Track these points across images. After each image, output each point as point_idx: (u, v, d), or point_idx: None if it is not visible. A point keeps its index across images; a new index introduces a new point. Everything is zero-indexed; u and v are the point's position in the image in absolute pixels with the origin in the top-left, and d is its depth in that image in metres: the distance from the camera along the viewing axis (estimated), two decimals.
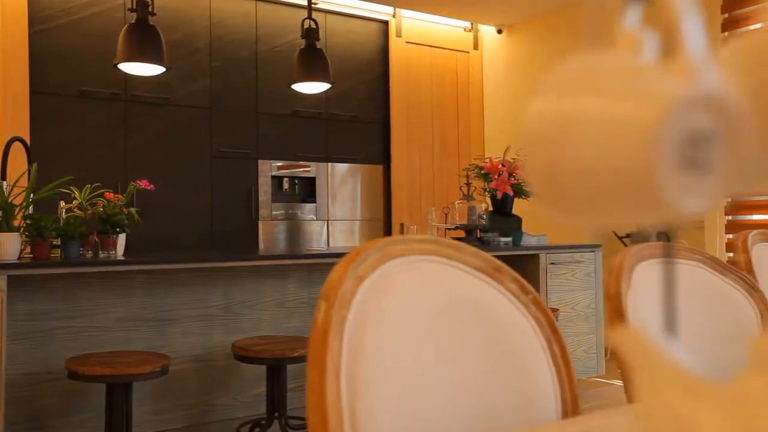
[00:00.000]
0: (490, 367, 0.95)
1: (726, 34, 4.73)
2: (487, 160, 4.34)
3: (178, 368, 3.12)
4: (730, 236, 4.74)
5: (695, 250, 1.29)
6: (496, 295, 1.01)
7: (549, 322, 1.01)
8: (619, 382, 4.42)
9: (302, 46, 3.98)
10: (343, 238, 5.69)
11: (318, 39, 3.89)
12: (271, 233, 5.32)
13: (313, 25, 3.85)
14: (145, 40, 3.25)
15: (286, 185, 5.45)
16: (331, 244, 5.60)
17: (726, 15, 4.72)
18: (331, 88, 4.26)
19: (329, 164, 5.60)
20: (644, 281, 1.16)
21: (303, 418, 3.23)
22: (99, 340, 2.95)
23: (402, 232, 5.90)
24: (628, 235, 5.28)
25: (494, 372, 0.96)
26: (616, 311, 1.08)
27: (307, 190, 5.56)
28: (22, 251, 2.76)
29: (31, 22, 4.43)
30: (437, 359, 0.92)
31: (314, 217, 5.54)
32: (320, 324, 0.83)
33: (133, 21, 3.34)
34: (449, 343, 0.94)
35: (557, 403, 0.98)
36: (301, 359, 2.82)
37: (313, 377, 0.80)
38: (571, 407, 0.98)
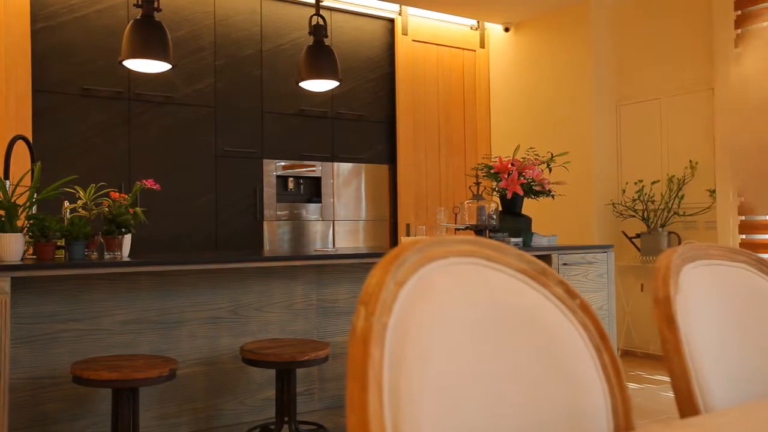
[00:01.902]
0: (537, 378, 0.88)
1: (739, 30, 4.66)
2: (496, 159, 4.27)
3: (185, 372, 3.05)
4: (744, 237, 4.66)
5: (739, 251, 1.22)
6: (541, 299, 0.94)
7: (598, 328, 0.94)
8: (635, 385, 4.35)
9: (309, 44, 3.91)
10: (349, 238, 5.62)
11: (326, 36, 3.82)
12: (275, 233, 5.26)
13: (321, 22, 3.78)
14: (150, 37, 3.18)
15: (291, 185, 5.38)
16: (336, 245, 5.53)
17: (739, 12, 4.65)
18: (336, 86, 4.19)
19: (335, 164, 5.53)
20: (693, 284, 1.09)
21: (312, 423, 3.16)
22: (104, 344, 2.88)
23: (408, 232, 5.84)
24: (638, 235, 5.21)
25: (542, 383, 0.89)
26: (665, 317, 1.01)
27: (313, 190, 5.49)
28: (25, 252, 2.69)
29: (34, 19, 4.36)
30: (482, 369, 0.85)
31: (319, 217, 5.47)
32: (360, 332, 0.76)
33: (137, 17, 3.27)
34: (494, 351, 0.87)
35: (609, 417, 0.91)
36: (311, 363, 2.75)
37: (353, 392, 0.73)
38: (623, 422, 0.91)
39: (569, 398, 0.90)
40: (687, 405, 0.97)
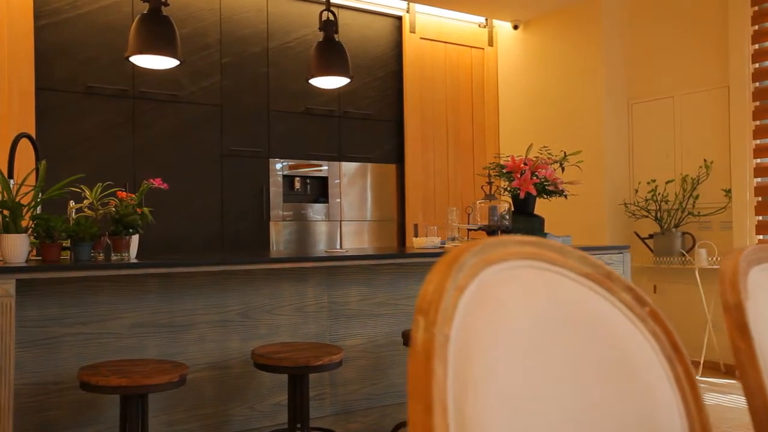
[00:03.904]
0: (607, 394, 0.80)
1: (756, 27, 4.57)
2: (508, 159, 4.18)
3: (194, 376, 2.96)
4: (761, 237, 4.58)
5: None
6: (608, 306, 0.86)
7: (670, 338, 0.86)
8: None
9: (319, 40, 3.82)
10: (356, 239, 5.54)
11: (336, 31, 3.73)
12: (282, 234, 5.17)
13: (332, 17, 3.69)
14: (158, 32, 3.09)
15: (297, 185, 5.29)
16: (343, 246, 5.45)
17: (756, 8, 4.57)
18: (344, 85, 4.10)
19: (341, 163, 5.45)
20: (763, 289, 1.00)
21: (324, 429, 3.07)
22: (111, 348, 2.79)
23: (417, 233, 5.75)
24: (650, 236, 5.12)
25: (613, 400, 0.80)
26: (738, 325, 0.93)
27: (319, 190, 5.41)
28: (29, 253, 2.60)
29: (37, 16, 4.28)
30: (552, 385, 0.76)
31: (326, 218, 5.39)
32: (421, 345, 0.67)
33: (144, 12, 3.18)
34: (561, 365, 0.78)
35: None
36: (325, 368, 2.67)
37: (416, 414, 0.64)
38: None
39: (642, 416, 0.81)
40: (765, 425, 0.88)
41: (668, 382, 0.84)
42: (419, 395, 0.66)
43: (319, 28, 3.74)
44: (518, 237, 0.84)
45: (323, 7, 3.86)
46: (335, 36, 3.77)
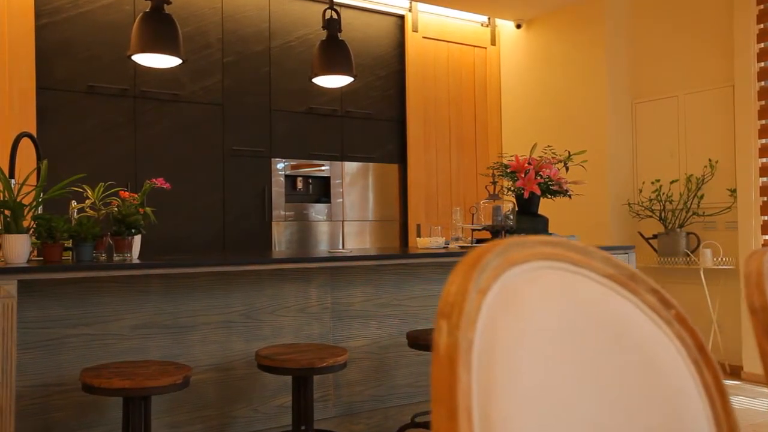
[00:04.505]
0: (635, 399, 0.77)
1: (761, 25, 4.54)
2: (512, 158, 4.16)
3: (197, 378, 2.93)
4: (767, 237, 4.55)
5: None
6: (632, 309, 0.83)
7: (697, 342, 0.83)
8: None
9: (322, 39, 3.80)
10: (358, 239, 5.51)
11: (340, 30, 3.71)
12: (284, 234, 5.14)
13: (335, 16, 3.67)
14: (160, 30, 3.07)
15: (299, 184, 5.27)
16: (345, 246, 5.42)
17: (761, 6, 4.54)
18: (346, 84, 4.07)
19: (344, 163, 5.42)
20: None
21: (330, 431, 3.04)
22: (114, 349, 2.76)
23: (419, 233, 5.72)
24: (654, 236, 5.09)
25: (640, 405, 0.77)
26: (766, 329, 0.90)
27: (321, 190, 5.38)
28: (30, 254, 2.57)
29: (38, 15, 4.25)
30: (577, 390, 0.73)
31: (329, 218, 5.36)
32: (444, 350, 0.65)
33: (146, 10, 3.15)
34: (587, 369, 0.76)
35: None
36: (330, 369, 2.64)
37: (440, 421, 0.62)
38: None
39: (669, 423, 0.78)
40: None
41: (696, 387, 0.81)
42: (443, 401, 0.63)
43: (323, 27, 3.72)
44: (540, 237, 0.81)
45: (325, 6, 3.83)
46: (339, 34, 3.74)
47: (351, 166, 5.46)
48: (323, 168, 5.34)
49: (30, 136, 2.98)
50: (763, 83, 4.56)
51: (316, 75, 3.74)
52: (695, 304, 4.87)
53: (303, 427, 2.74)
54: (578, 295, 0.81)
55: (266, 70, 5.08)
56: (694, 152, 4.97)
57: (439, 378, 0.64)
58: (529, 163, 4.12)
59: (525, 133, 5.86)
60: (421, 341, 3.11)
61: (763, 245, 4.54)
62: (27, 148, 3.53)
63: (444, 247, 3.76)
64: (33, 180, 2.81)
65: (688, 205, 4.90)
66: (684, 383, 0.81)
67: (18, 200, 2.50)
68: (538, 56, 5.89)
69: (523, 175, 4.10)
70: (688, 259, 4.89)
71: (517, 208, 4.15)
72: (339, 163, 5.40)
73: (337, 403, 3.33)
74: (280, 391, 3.14)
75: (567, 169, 4.21)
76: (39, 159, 2.99)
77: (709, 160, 4.87)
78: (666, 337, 0.83)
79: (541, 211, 4.20)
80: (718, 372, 0.83)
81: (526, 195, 4.07)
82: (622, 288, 0.84)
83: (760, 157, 4.57)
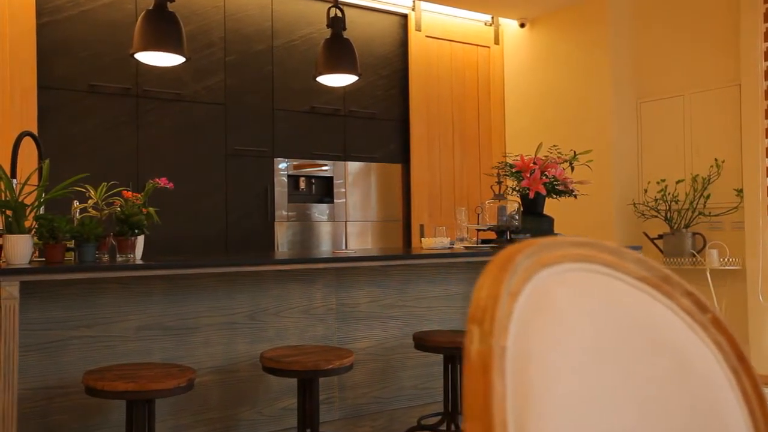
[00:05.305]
0: (672, 407, 0.73)
1: None
2: (518, 158, 4.12)
3: (201, 380, 2.89)
4: None
5: None
6: (667, 313, 0.79)
7: (734, 348, 0.79)
8: None
9: (326, 37, 3.76)
10: (361, 239, 5.47)
11: (345, 28, 3.67)
12: (287, 234, 5.10)
13: (340, 14, 3.63)
14: (164, 28, 3.03)
15: (302, 184, 5.23)
16: (348, 246, 5.38)
17: None
18: (351, 82, 4.03)
19: (347, 163, 5.38)
20: None
21: None
22: (117, 351, 2.72)
23: (423, 233, 5.68)
24: (660, 236, 5.05)
25: (677, 413, 0.73)
26: None
27: (324, 190, 5.34)
28: (31, 255, 2.53)
29: (39, 14, 4.21)
30: (612, 398, 0.70)
31: (332, 218, 5.32)
32: (477, 358, 0.61)
33: (150, 8, 3.11)
34: (622, 377, 0.72)
35: None
36: (336, 372, 2.61)
37: None
38: None
39: None
40: None
41: (734, 395, 0.77)
42: (477, 413, 0.59)
43: (327, 25, 3.68)
44: (571, 238, 0.78)
45: (328, 5, 3.79)
46: (343, 33, 3.71)
47: (354, 166, 5.43)
48: (326, 168, 5.30)
49: (32, 135, 2.94)
50: None
51: (321, 74, 3.71)
52: None
53: (308, 430, 2.70)
54: (611, 298, 0.77)
55: (269, 69, 5.05)
56: (700, 152, 4.94)
57: (473, 389, 0.60)
58: (535, 163, 4.09)
59: (528, 133, 5.82)
60: (426, 343, 3.07)
61: None
62: (28, 147, 3.49)
63: (449, 248, 3.72)
64: (35, 180, 2.78)
65: (694, 205, 4.86)
66: (722, 391, 0.77)
67: (20, 200, 2.46)
68: (542, 55, 5.85)
69: (528, 175, 4.06)
70: (694, 259, 4.86)
71: (522, 208, 4.11)
72: (342, 162, 5.36)
73: (342, 406, 3.29)
74: (285, 394, 3.10)
75: (572, 168, 4.17)
76: (41, 158, 2.95)
77: (716, 160, 4.83)
78: (702, 343, 0.79)
79: (545, 211, 4.16)
80: (757, 380, 0.79)
81: (531, 195, 4.03)
82: (656, 291, 0.80)
83: (767, 156, 4.53)
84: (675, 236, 4.92)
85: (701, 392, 0.77)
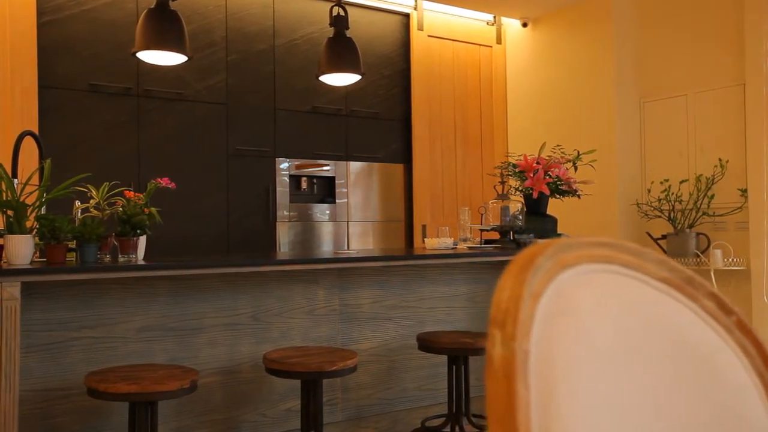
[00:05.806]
0: (698, 412, 0.71)
1: None
2: (521, 158, 4.10)
3: (204, 381, 2.87)
4: None
5: None
6: (690, 316, 0.77)
7: (761, 352, 0.77)
8: None
9: (329, 36, 3.74)
10: (363, 239, 5.45)
11: (347, 27, 3.65)
12: (289, 234, 5.08)
13: (342, 13, 3.61)
14: (166, 27, 3.01)
15: (304, 184, 5.21)
16: (350, 246, 5.36)
17: None
18: (353, 81, 4.00)
19: (348, 163, 5.36)
20: None
21: None
22: (119, 352, 2.70)
23: (425, 233, 5.66)
24: (663, 236, 5.03)
25: (702, 418, 0.71)
26: None
27: (326, 190, 5.32)
28: (33, 255, 2.51)
29: (40, 13, 4.19)
30: (636, 403, 0.68)
31: (333, 218, 5.30)
32: (500, 363, 0.59)
33: (152, 6, 3.09)
34: (646, 381, 0.70)
35: None
36: (340, 373, 2.59)
37: None
38: None
39: None
40: None
41: (762, 402, 0.75)
42: (501, 420, 0.57)
43: (330, 24, 3.66)
44: (592, 238, 0.75)
45: (330, 4, 3.77)
46: (346, 32, 3.68)
47: (356, 166, 5.40)
48: (328, 168, 5.28)
49: (33, 134, 2.92)
50: None
51: (324, 73, 3.68)
52: None
53: (313, 431, 2.68)
54: (634, 300, 0.75)
55: (270, 68, 5.02)
56: (704, 151, 4.91)
57: (496, 394, 0.58)
58: (538, 163, 4.06)
59: (531, 133, 5.80)
60: (430, 344, 3.05)
61: None
62: (29, 147, 3.46)
63: (453, 248, 3.70)
64: (36, 179, 2.75)
65: (698, 205, 4.83)
66: (749, 397, 0.75)
67: (21, 200, 2.44)
68: (545, 55, 5.83)
69: (531, 175, 4.04)
70: (698, 259, 4.83)
71: (525, 209, 4.09)
72: (343, 162, 5.34)
73: (345, 407, 3.27)
74: (288, 395, 3.08)
75: (576, 168, 4.15)
76: (42, 158, 2.93)
77: (720, 160, 4.81)
78: (727, 346, 0.77)
79: (548, 211, 4.14)
80: None
81: (535, 195, 4.01)
82: (679, 293, 0.78)
83: None
84: (679, 236, 4.90)
85: (726, 396, 0.75)
